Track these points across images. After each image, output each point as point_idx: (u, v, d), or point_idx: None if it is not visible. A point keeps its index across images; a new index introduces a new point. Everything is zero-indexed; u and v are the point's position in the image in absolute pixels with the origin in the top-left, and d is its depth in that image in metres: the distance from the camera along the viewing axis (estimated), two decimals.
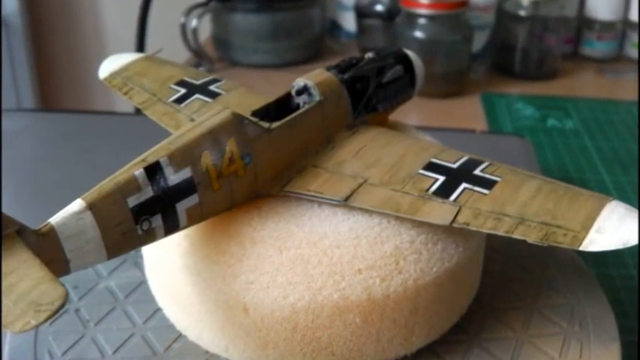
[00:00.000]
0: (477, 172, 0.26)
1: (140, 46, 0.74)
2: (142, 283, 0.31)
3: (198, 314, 0.27)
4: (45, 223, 0.21)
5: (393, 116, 0.34)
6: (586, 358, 0.27)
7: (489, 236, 0.26)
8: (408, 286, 0.25)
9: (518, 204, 0.25)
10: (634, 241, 0.23)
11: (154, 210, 0.23)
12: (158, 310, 0.29)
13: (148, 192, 0.23)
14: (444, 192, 0.26)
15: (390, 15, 0.70)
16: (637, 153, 0.56)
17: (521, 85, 0.70)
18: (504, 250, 0.33)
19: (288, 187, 0.27)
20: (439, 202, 0.25)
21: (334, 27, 0.82)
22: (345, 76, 0.30)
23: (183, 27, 0.72)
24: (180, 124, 0.31)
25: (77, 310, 0.30)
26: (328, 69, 0.30)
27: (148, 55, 0.37)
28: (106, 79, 0.35)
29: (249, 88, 0.33)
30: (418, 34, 0.64)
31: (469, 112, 0.65)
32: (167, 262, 0.27)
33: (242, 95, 0.32)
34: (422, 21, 0.64)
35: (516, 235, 0.24)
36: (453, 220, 0.25)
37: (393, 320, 0.26)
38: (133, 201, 0.23)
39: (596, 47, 0.76)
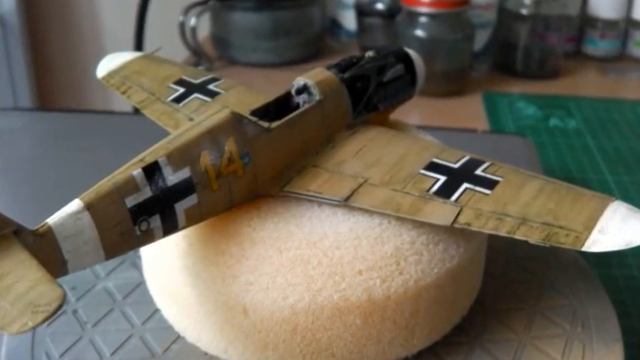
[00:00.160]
0: (479, 172, 0.26)
1: (138, 45, 0.74)
2: (141, 284, 0.31)
3: (197, 315, 0.26)
4: (42, 224, 0.21)
5: (394, 115, 0.33)
6: (589, 359, 0.27)
7: (491, 237, 0.26)
8: (408, 287, 0.25)
9: (520, 204, 0.25)
10: (637, 242, 0.23)
11: (152, 210, 0.23)
12: (157, 311, 0.29)
13: (147, 192, 0.23)
14: (445, 192, 0.25)
15: (391, 13, 0.69)
16: None
17: (523, 84, 0.70)
18: (506, 250, 0.33)
19: (288, 187, 0.27)
20: (440, 202, 0.25)
21: (334, 25, 0.82)
22: (346, 75, 0.30)
23: (182, 25, 0.71)
24: (179, 123, 0.31)
25: (75, 312, 0.29)
26: (328, 68, 0.30)
27: (147, 53, 0.37)
28: (104, 78, 0.35)
29: (248, 87, 0.33)
30: (419, 32, 0.64)
31: (470, 111, 0.64)
32: (166, 262, 0.27)
33: (241, 94, 0.32)
34: (423, 19, 0.64)
35: (518, 236, 0.24)
36: (454, 221, 0.24)
37: (393, 321, 0.25)
38: (131, 201, 0.23)
39: (599, 46, 0.76)
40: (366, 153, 0.28)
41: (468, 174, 0.26)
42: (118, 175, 0.23)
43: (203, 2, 0.73)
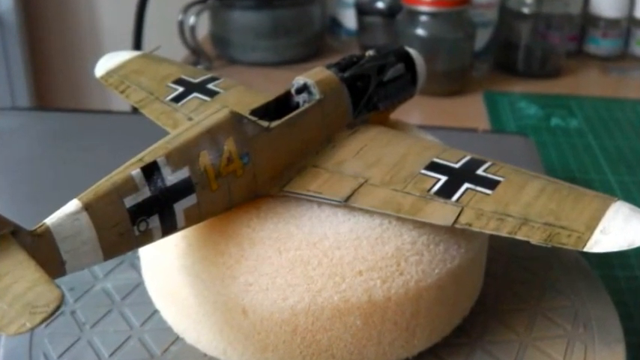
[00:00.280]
0: (480, 171, 0.26)
1: (137, 44, 0.74)
2: (139, 285, 0.30)
3: (197, 316, 0.26)
4: (40, 224, 0.21)
5: (395, 115, 0.33)
6: None
7: (492, 237, 0.26)
8: (409, 288, 0.25)
9: (521, 204, 0.24)
10: (639, 242, 0.22)
11: (151, 210, 0.23)
12: (155, 312, 0.29)
13: (145, 192, 0.23)
14: (446, 192, 0.25)
15: (391, 12, 0.69)
16: None
17: (525, 83, 0.70)
18: (507, 251, 0.33)
19: (288, 187, 0.27)
20: (441, 202, 0.25)
21: (334, 24, 0.82)
22: (346, 74, 0.30)
23: (181, 24, 0.71)
24: (178, 123, 0.30)
25: (73, 313, 0.29)
26: (328, 67, 0.30)
27: (146, 52, 0.37)
28: (102, 77, 0.35)
29: (247, 86, 0.33)
30: (420, 31, 0.64)
31: (471, 110, 0.64)
32: (165, 263, 0.27)
33: (241, 94, 0.32)
34: (424, 18, 0.63)
35: (519, 236, 0.24)
36: (455, 221, 0.24)
37: (394, 323, 0.25)
38: (129, 201, 0.22)
39: (601, 45, 0.75)
40: (367, 153, 0.28)
41: (469, 174, 0.26)
42: (117, 175, 0.23)
43: (202, 1, 0.73)
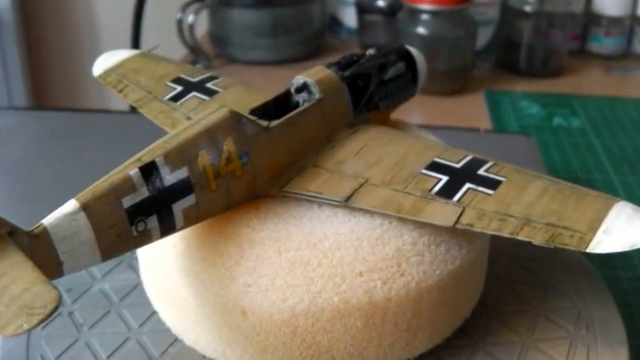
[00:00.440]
0: (481, 171, 0.26)
1: (135, 43, 0.74)
2: (138, 286, 0.30)
3: (195, 318, 0.26)
4: (38, 224, 0.21)
5: (395, 114, 0.33)
6: None
7: (494, 237, 0.26)
8: (410, 289, 0.25)
9: (523, 205, 0.24)
10: None
11: (149, 211, 0.23)
12: (154, 313, 0.29)
13: (144, 192, 0.23)
14: (447, 192, 0.25)
15: (392, 10, 0.69)
16: None
17: (527, 82, 0.70)
18: (509, 251, 0.33)
19: (288, 187, 0.27)
20: (442, 202, 0.25)
21: (334, 23, 0.82)
22: (346, 73, 0.29)
23: (180, 23, 0.71)
24: (177, 122, 0.30)
25: (71, 314, 0.29)
26: (328, 66, 0.30)
27: (144, 51, 0.37)
28: (100, 76, 0.35)
29: (247, 85, 0.33)
30: (421, 30, 0.63)
31: (473, 110, 0.64)
32: (163, 264, 0.27)
33: (240, 93, 0.32)
34: (425, 17, 0.63)
35: (521, 237, 0.23)
36: (457, 221, 0.24)
37: (394, 324, 0.25)
38: (128, 201, 0.22)
39: (604, 44, 0.75)
40: (367, 152, 0.28)
41: (470, 174, 0.26)
42: (115, 175, 0.22)
43: None
